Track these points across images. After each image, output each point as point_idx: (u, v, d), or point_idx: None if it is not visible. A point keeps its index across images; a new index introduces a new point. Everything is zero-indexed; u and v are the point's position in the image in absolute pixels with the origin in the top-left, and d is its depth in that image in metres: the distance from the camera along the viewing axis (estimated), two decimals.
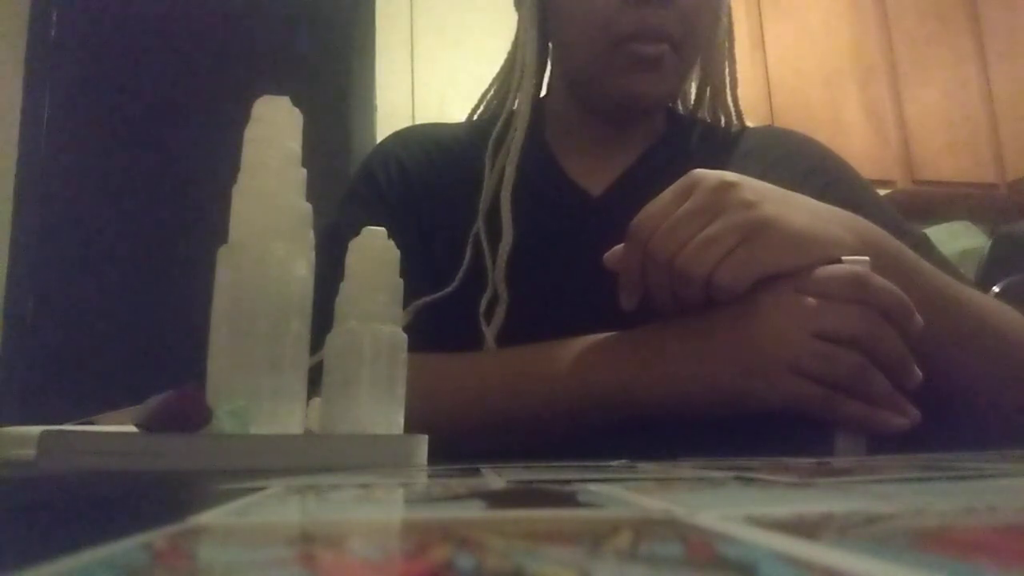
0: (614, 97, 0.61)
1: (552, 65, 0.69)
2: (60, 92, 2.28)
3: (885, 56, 2.45)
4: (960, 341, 0.50)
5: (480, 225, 0.59)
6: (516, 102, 0.64)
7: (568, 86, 0.67)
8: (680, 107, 0.73)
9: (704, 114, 0.71)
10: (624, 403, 0.48)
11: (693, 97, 0.72)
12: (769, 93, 2.37)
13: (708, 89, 0.69)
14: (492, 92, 0.69)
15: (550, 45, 0.68)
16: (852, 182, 0.66)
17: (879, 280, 0.43)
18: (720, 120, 0.70)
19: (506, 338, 0.55)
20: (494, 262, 0.57)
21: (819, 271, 0.44)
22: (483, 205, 0.60)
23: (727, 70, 0.68)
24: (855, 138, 2.39)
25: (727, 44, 0.68)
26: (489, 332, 0.55)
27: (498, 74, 0.69)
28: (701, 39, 0.62)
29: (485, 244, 0.58)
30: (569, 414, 0.50)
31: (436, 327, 0.55)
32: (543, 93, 0.70)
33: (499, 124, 0.64)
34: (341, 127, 2.27)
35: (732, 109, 0.69)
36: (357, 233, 0.41)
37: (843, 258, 0.45)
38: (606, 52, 0.58)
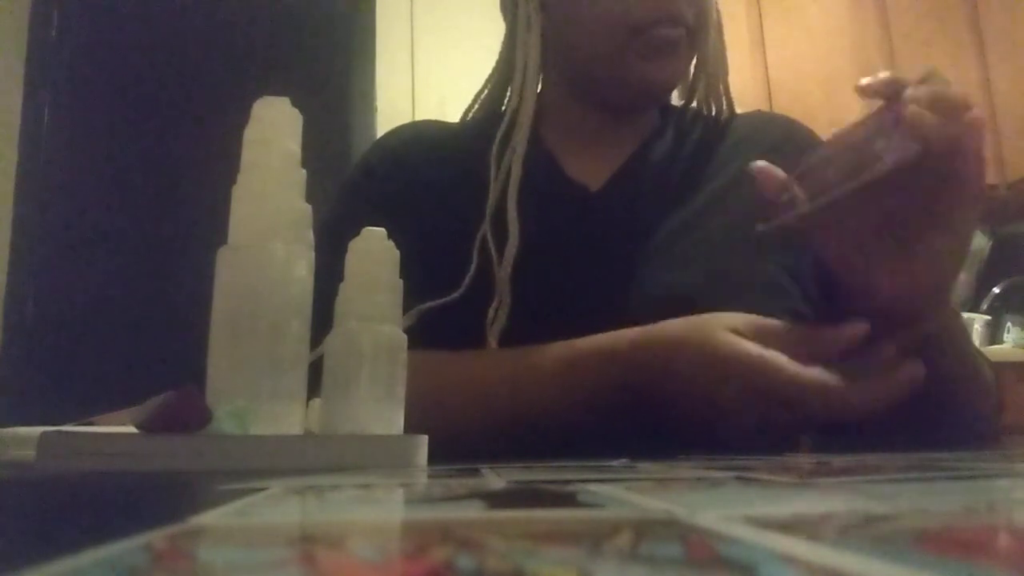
0: (632, 85, 0.61)
1: (546, 64, 0.69)
2: (60, 92, 2.28)
3: (885, 57, 2.45)
4: (966, 389, 0.56)
5: (487, 229, 0.59)
6: (519, 101, 0.64)
7: (569, 82, 0.67)
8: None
9: (697, 103, 0.71)
10: (617, 405, 0.48)
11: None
12: (769, 93, 2.37)
13: (702, 78, 0.70)
14: (486, 93, 0.69)
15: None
16: None
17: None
18: (712, 109, 0.70)
19: (510, 341, 0.55)
20: (501, 266, 0.57)
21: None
22: (490, 208, 0.60)
23: (718, 59, 0.69)
24: None
25: (718, 33, 0.68)
26: (491, 334, 0.55)
27: (491, 75, 0.69)
28: (710, 24, 0.63)
29: (493, 248, 0.58)
30: (565, 412, 0.50)
31: (439, 330, 0.55)
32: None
33: (503, 126, 0.64)
34: (341, 127, 2.27)
35: (724, 97, 0.69)
36: (356, 231, 0.41)
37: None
38: (625, 41, 0.59)
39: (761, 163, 0.45)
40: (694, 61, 0.69)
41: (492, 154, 0.62)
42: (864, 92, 0.43)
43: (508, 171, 0.61)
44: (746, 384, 0.43)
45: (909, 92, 0.40)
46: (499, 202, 0.60)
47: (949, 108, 0.40)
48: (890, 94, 0.42)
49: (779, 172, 0.45)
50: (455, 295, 0.56)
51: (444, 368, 0.53)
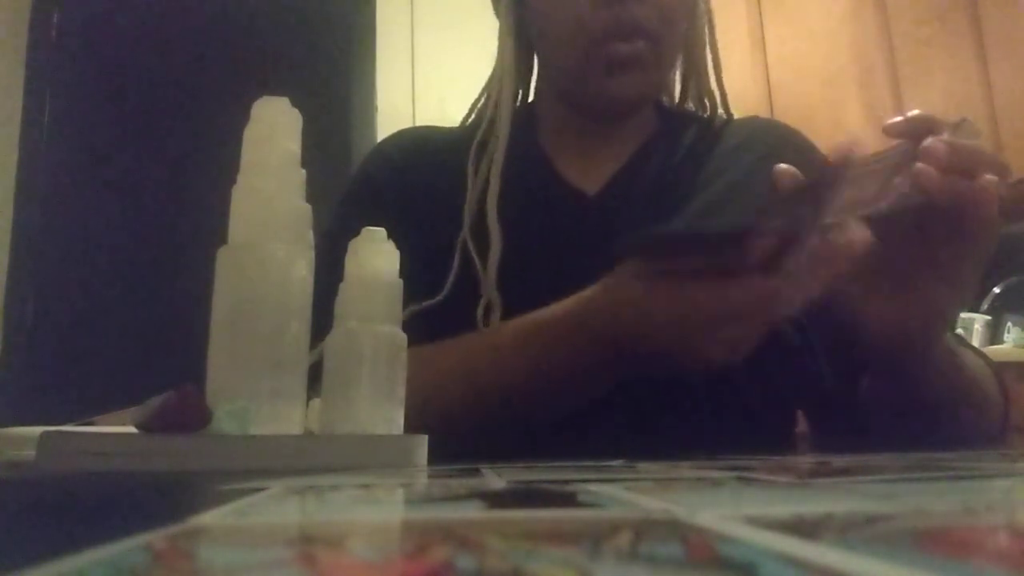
0: (596, 99, 0.62)
1: (538, 68, 0.69)
2: (60, 92, 2.28)
3: (885, 57, 2.45)
4: (964, 404, 0.54)
5: (466, 233, 0.59)
6: (495, 109, 0.64)
7: (553, 88, 0.67)
8: (667, 99, 0.73)
9: (690, 103, 0.71)
10: (595, 369, 0.47)
11: (678, 88, 0.72)
12: (769, 93, 2.37)
13: (693, 77, 0.69)
14: (483, 101, 0.69)
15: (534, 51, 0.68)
16: None
17: None
18: (706, 108, 0.70)
19: None
20: (485, 270, 0.57)
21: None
22: (468, 212, 0.60)
23: (709, 55, 0.68)
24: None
25: (707, 29, 0.67)
26: None
27: (487, 82, 0.69)
28: (680, 30, 0.62)
29: (473, 252, 0.58)
30: (544, 379, 0.49)
31: (429, 334, 0.55)
32: (533, 96, 0.70)
33: (480, 133, 0.63)
34: (341, 127, 2.27)
35: (717, 95, 0.69)
36: (356, 234, 0.41)
37: None
38: (584, 53, 0.58)
39: (784, 165, 0.45)
40: (683, 62, 0.69)
41: (470, 159, 0.62)
42: (889, 131, 0.42)
43: (487, 178, 0.61)
44: (685, 316, 0.41)
45: (928, 143, 0.40)
46: (480, 207, 0.60)
47: (967, 166, 0.40)
48: (915, 134, 0.41)
49: (800, 176, 0.44)
50: (436, 299, 0.56)
51: (432, 356, 0.53)
